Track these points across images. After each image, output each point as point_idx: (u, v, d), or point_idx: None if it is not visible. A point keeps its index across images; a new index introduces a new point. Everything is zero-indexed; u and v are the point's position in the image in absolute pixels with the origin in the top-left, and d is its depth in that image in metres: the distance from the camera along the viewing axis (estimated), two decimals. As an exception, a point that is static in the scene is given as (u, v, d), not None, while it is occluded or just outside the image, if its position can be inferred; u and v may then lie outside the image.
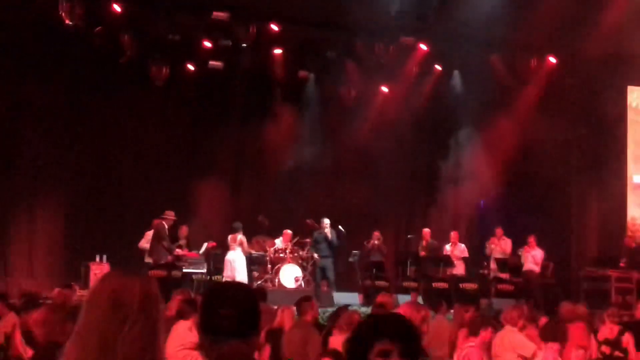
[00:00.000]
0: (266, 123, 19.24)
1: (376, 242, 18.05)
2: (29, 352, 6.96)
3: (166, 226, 15.77)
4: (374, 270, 17.45)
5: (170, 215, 15.93)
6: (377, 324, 2.43)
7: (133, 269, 11.86)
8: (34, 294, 11.95)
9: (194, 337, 6.96)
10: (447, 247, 18.07)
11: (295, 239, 17.85)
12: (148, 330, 2.36)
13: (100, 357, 2.29)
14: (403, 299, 15.43)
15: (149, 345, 2.36)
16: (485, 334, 7.39)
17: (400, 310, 5.34)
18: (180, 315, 7.62)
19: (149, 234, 16.32)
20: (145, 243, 16.53)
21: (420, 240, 18.52)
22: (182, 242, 16.62)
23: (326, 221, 17.24)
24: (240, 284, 2.96)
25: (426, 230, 18.58)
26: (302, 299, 8.92)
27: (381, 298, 10.00)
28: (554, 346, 7.20)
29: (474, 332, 7.40)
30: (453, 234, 18.25)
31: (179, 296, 9.12)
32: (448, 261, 17.56)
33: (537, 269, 17.29)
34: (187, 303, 7.98)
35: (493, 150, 18.46)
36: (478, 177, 19.13)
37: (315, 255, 17.13)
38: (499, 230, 17.99)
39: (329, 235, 16.96)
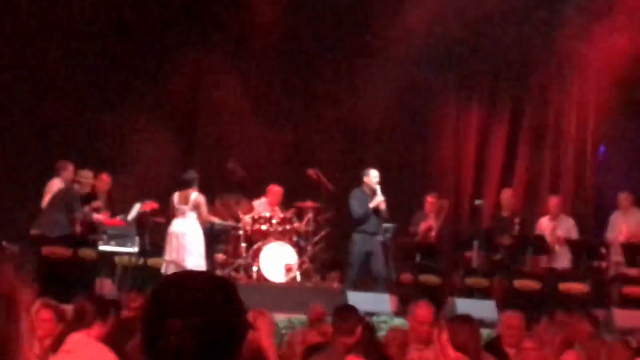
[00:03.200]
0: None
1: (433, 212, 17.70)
2: None
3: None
4: (419, 257, 17.18)
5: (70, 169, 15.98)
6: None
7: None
8: None
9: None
10: (544, 221, 17.39)
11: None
12: None
13: None
14: (464, 305, 14.83)
15: None
16: None
17: None
18: (81, 320, 7.83)
19: (54, 184, 16.29)
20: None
21: (497, 209, 18.15)
22: (99, 200, 16.76)
23: (373, 174, 16.55)
24: (209, 275, 2.97)
25: (508, 192, 17.92)
26: (343, 309, 8.75)
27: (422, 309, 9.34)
28: None
29: None
30: (553, 201, 17.44)
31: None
32: (543, 245, 16.91)
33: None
34: (95, 301, 8.29)
35: (621, 46, 17.09)
36: (594, 98, 18.63)
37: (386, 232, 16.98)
38: (624, 198, 17.11)
39: (379, 199, 16.48)
